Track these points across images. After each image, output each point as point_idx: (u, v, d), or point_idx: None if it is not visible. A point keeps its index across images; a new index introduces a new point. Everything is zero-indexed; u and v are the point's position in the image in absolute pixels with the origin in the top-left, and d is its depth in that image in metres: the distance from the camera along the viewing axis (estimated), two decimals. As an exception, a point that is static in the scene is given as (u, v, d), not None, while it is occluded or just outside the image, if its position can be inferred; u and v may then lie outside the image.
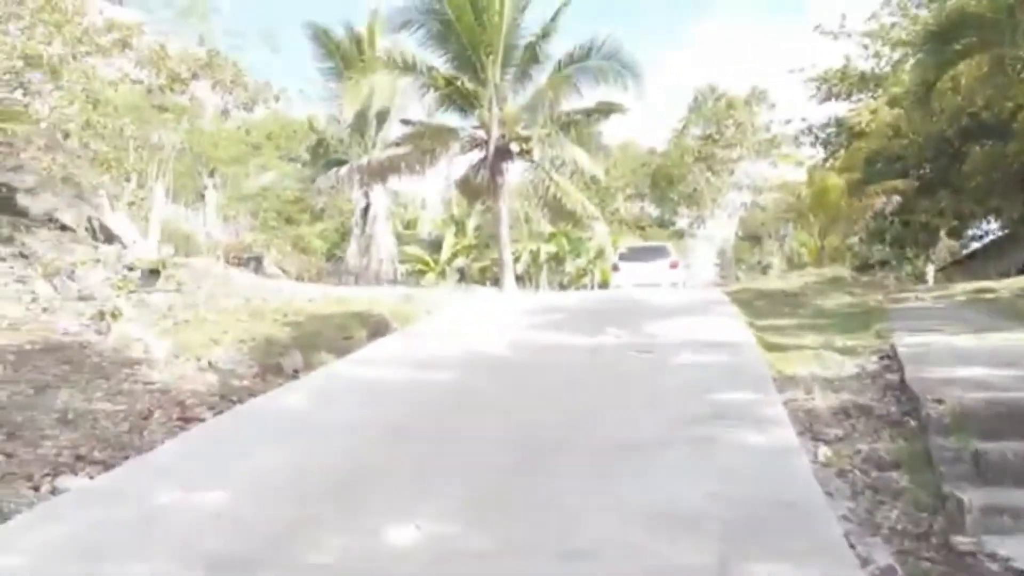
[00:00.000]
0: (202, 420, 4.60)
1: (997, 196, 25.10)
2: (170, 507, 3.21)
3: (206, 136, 18.10)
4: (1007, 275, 30.58)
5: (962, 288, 12.85)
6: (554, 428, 4.30)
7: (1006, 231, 28.03)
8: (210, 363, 5.84)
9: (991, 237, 31.82)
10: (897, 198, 19.75)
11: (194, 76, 9.64)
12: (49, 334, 6.11)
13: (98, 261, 7.57)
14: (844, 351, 7.00)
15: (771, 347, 7.42)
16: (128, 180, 10.75)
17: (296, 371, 6.06)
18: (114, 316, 6.42)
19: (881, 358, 6.49)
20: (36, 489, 3.48)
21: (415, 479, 3.58)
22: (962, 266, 37.37)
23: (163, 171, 14.58)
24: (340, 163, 25.10)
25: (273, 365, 6.03)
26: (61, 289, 7.26)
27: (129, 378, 5.22)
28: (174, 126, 13.01)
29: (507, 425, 4.39)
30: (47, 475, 3.61)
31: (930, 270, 36.07)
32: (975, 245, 36.18)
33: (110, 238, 10.79)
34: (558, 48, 21.08)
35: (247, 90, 9.74)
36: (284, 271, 12.58)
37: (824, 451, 3.90)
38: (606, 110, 22.43)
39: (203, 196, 13.96)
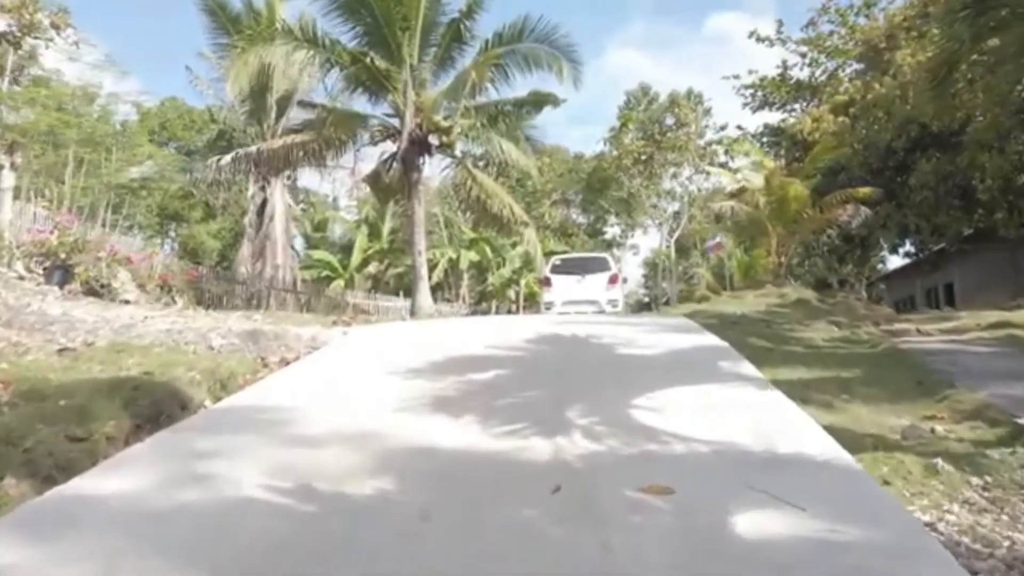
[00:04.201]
0: None
1: (943, 212, 24.03)
2: None
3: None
4: (933, 293, 29.85)
5: (974, 322, 10.60)
6: None
7: (936, 248, 27.20)
8: None
9: (919, 256, 31.08)
10: (866, 209, 17.89)
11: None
12: None
13: None
14: (958, 456, 4.28)
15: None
16: None
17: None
18: None
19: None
20: None
21: None
22: (887, 282, 37.06)
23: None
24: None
25: None
26: None
27: None
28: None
29: None
30: None
31: (862, 286, 35.55)
32: (896, 261, 35.56)
33: None
34: (485, 27, 18.41)
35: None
36: (105, 286, 9.02)
37: None
38: (539, 101, 19.78)
39: (-3, 179, 10.26)
